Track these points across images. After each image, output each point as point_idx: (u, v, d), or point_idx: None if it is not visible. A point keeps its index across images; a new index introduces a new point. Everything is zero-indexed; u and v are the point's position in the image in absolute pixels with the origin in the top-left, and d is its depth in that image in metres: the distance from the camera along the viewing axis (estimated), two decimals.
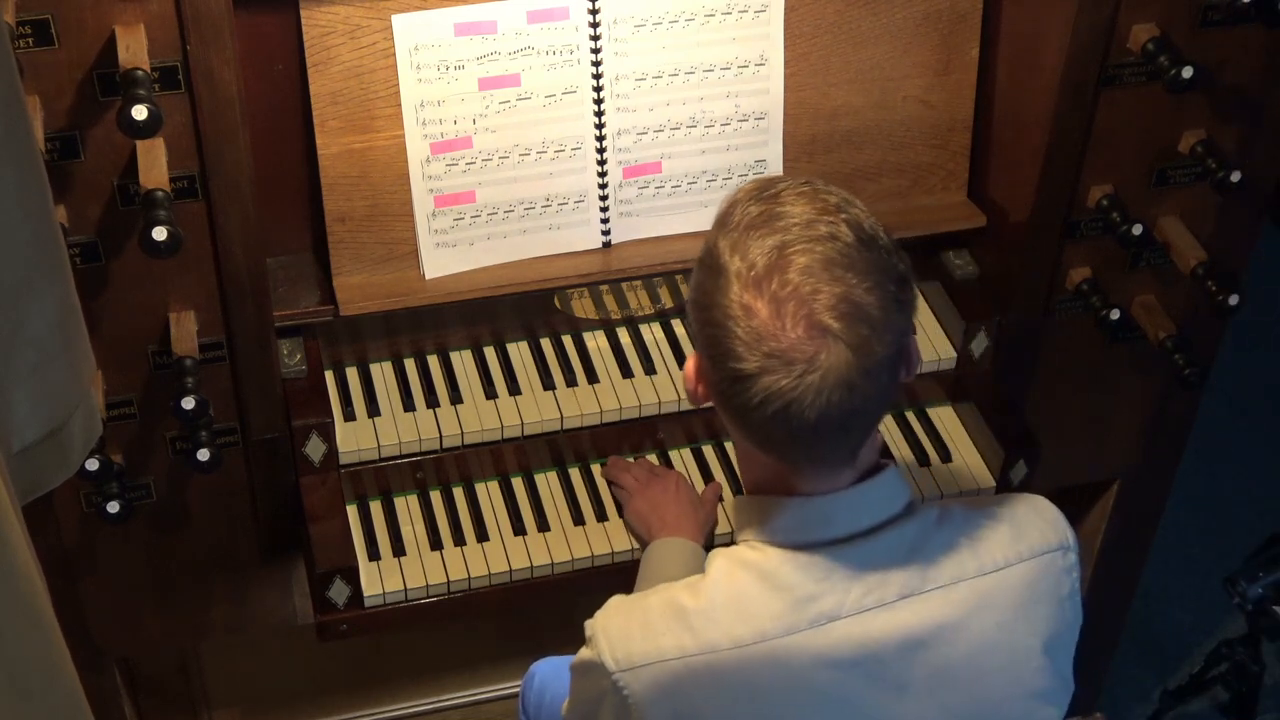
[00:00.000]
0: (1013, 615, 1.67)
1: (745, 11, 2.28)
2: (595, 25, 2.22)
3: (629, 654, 1.68)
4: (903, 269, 1.59)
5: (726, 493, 2.36)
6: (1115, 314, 2.40)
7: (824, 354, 1.52)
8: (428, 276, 2.28)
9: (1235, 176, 2.24)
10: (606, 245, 2.36)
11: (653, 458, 2.43)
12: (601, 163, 2.31)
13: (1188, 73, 2.14)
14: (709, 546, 2.24)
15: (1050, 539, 1.73)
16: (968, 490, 2.40)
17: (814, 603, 1.62)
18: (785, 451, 1.63)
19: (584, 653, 1.76)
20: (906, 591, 1.63)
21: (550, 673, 2.45)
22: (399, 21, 2.14)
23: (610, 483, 2.37)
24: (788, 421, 1.55)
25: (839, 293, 1.53)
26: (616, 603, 1.76)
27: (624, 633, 1.69)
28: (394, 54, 2.16)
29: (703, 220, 2.38)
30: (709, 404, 1.68)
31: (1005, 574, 1.67)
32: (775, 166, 2.38)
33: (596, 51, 2.24)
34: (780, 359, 1.52)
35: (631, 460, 2.39)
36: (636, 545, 2.30)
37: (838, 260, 1.54)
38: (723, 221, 1.62)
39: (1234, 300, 2.31)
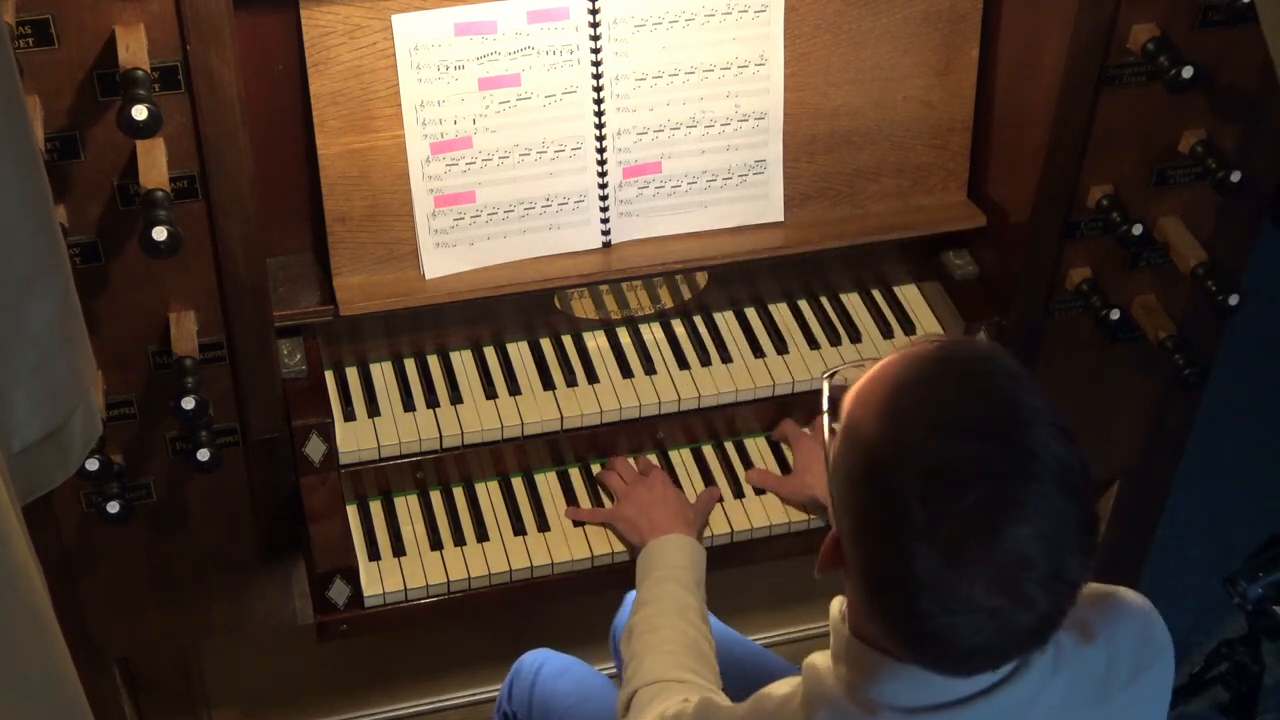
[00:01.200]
0: None
1: (745, 11, 2.28)
2: (595, 25, 2.22)
3: None
4: (1093, 499, 1.40)
5: (746, 496, 2.36)
6: (1115, 314, 2.40)
7: (1014, 615, 1.36)
8: (428, 276, 2.28)
9: (1235, 176, 2.23)
10: (606, 245, 2.36)
11: (653, 458, 2.42)
12: (601, 163, 2.31)
13: (1188, 73, 2.14)
14: (727, 560, 2.23)
15: (1154, 658, 1.58)
16: None
17: None
18: (914, 660, 1.45)
19: None
20: None
21: (551, 667, 2.41)
22: (399, 21, 2.14)
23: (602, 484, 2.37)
24: (955, 665, 1.42)
25: (1049, 567, 1.34)
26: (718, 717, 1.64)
27: None
28: (394, 54, 2.16)
29: (703, 220, 2.39)
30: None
31: (1116, 709, 1.56)
32: (775, 166, 2.38)
33: (596, 51, 2.24)
34: (967, 622, 1.35)
35: (617, 460, 2.38)
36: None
37: (1046, 524, 1.34)
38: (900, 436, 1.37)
39: (1234, 300, 2.31)
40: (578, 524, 2.33)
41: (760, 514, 2.35)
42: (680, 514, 2.24)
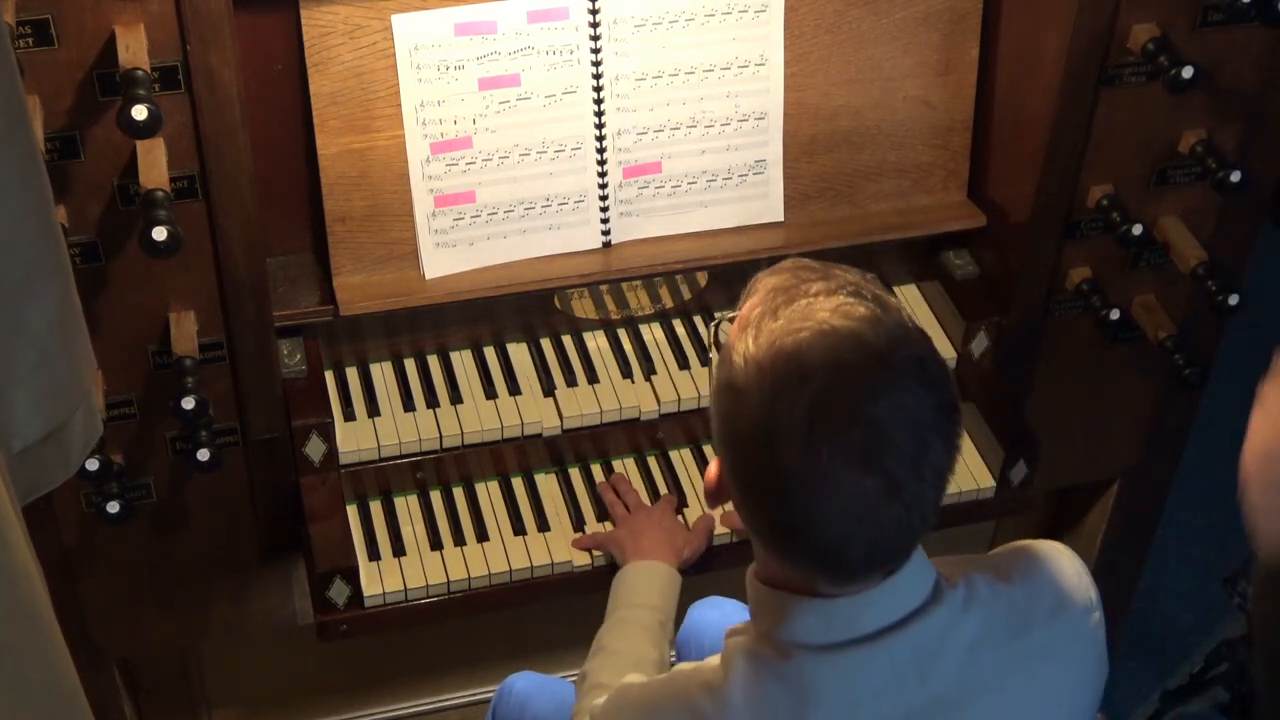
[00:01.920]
0: (1041, 683, 1.58)
1: (745, 11, 2.28)
2: (595, 25, 2.22)
3: None
4: (954, 393, 1.46)
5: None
6: (1115, 314, 2.40)
7: (885, 505, 1.41)
8: (427, 276, 2.28)
9: (1235, 176, 2.24)
10: (606, 245, 2.36)
11: (653, 458, 2.43)
12: (601, 163, 2.31)
13: (1188, 73, 2.14)
14: (692, 569, 2.24)
15: (1076, 601, 1.60)
16: (967, 491, 2.39)
17: (842, 709, 1.51)
18: (823, 576, 1.49)
19: None
20: (938, 692, 1.52)
21: (532, 688, 2.43)
22: (399, 21, 2.14)
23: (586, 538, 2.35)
24: (835, 564, 1.45)
25: (911, 446, 1.40)
26: (629, 698, 1.65)
27: None
28: (394, 54, 2.16)
29: (703, 220, 2.39)
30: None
31: (1036, 645, 1.57)
32: (775, 167, 2.38)
33: (596, 51, 2.24)
34: (836, 512, 1.41)
35: (627, 491, 2.37)
36: None
37: (904, 406, 1.40)
38: (750, 332, 1.47)
39: (1234, 300, 2.31)
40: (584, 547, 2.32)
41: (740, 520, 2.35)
42: (669, 542, 2.22)
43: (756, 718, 1.52)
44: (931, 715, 1.53)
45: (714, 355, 1.71)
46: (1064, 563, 1.63)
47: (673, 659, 2.48)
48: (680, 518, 2.33)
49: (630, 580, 2.15)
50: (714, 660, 1.59)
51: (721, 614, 2.47)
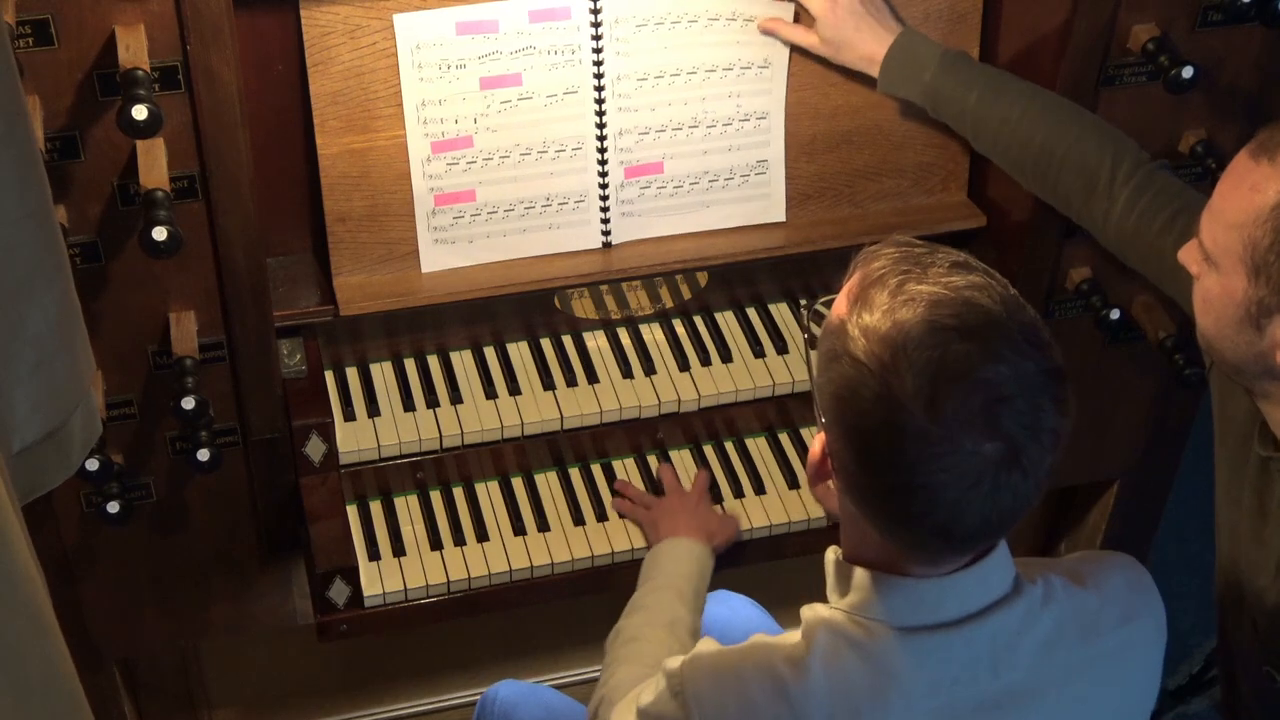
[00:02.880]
0: (1105, 688, 1.61)
1: (750, 20, 2.27)
2: (597, 25, 2.22)
3: None
4: (1063, 361, 1.48)
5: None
6: (1115, 314, 2.40)
7: (1004, 471, 1.43)
8: (424, 270, 2.28)
9: None
10: (607, 245, 2.36)
11: (653, 458, 2.43)
12: (602, 162, 2.31)
13: (1188, 73, 2.14)
14: (724, 561, 2.24)
15: (1144, 613, 1.64)
16: None
17: (920, 691, 1.53)
18: (926, 551, 1.52)
19: (666, 705, 1.64)
20: (1009, 684, 1.56)
21: (516, 696, 2.43)
22: (401, 20, 2.14)
23: (626, 502, 2.37)
24: (947, 532, 1.46)
25: (1025, 405, 1.43)
26: (708, 660, 1.63)
27: (717, 699, 1.59)
28: (394, 54, 2.16)
29: (704, 220, 2.39)
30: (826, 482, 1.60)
31: (1104, 650, 1.60)
32: (777, 167, 2.38)
33: (598, 51, 2.24)
34: (954, 475, 1.42)
35: (665, 470, 2.39)
36: (637, 545, 2.30)
37: (1018, 368, 1.43)
38: (865, 302, 1.48)
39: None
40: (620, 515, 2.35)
41: (760, 514, 2.35)
42: (703, 525, 2.24)
43: (835, 690, 1.54)
44: (1000, 706, 1.56)
45: (814, 331, 1.70)
46: (1134, 574, 1.66)
47: None
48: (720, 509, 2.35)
49: (664, 554, 2.17)
50: (794, 632, 1.60)
51: (730, 612, 2.47)
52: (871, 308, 1.47)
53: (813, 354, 1.61)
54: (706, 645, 1.69)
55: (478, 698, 2.57)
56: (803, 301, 2.46)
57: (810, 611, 1.61)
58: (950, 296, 1.46)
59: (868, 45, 2.25)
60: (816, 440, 1.58)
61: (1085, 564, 1.65)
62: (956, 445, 1.41)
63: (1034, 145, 2.16)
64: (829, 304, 1.60)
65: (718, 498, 2.38)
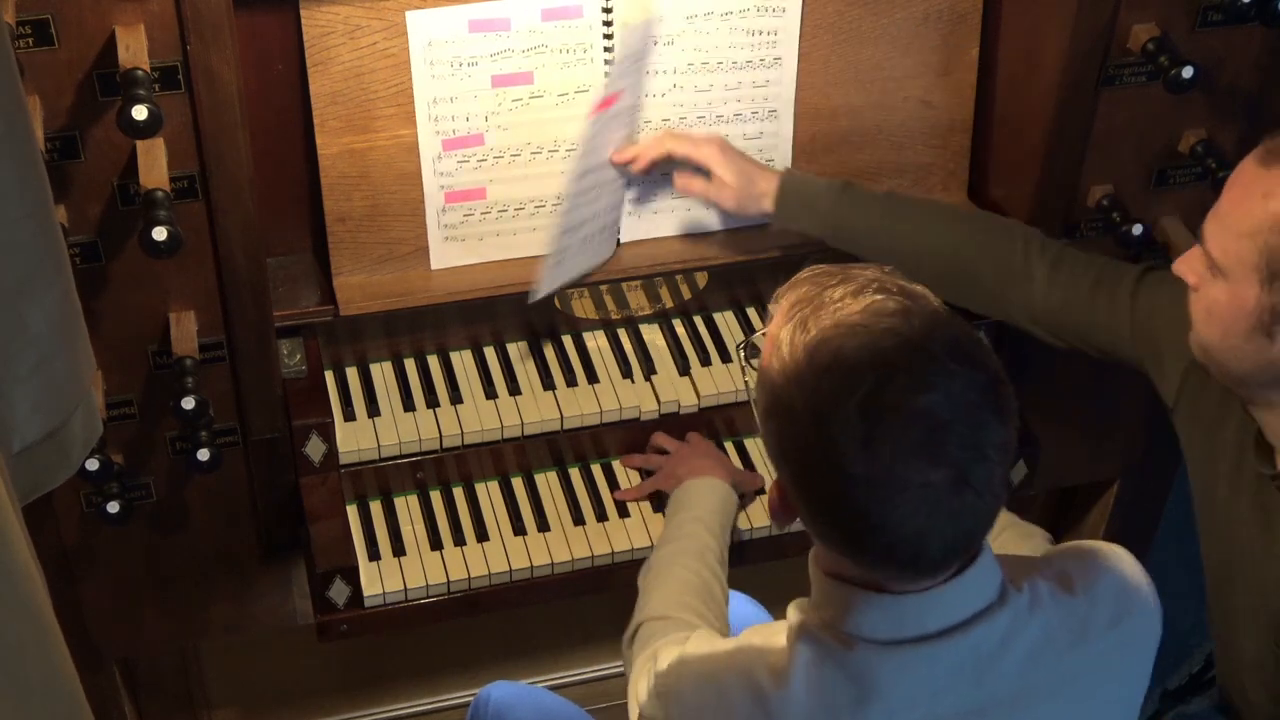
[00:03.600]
0: (1094, 694, 1.60)
1: (762, 14, 2.27)
2: (608, 24, 2.22)
3: None
4: (997, 367, 1.46)
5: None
6: None
7: (956, 494, 1.41)
8: (434, 267, 2.28)
9: None
10: (615, 244, 2.36)
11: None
12: None
13: (1188, 73, 2.14)
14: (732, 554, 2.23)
15: (1135, 610, 1.63)
16: None
17: (901, 703, 1.52)
18: (901, 578, 1.49)
19: (650, 706, 1.66)
20: (993, 694, 1.54)
21: (510, 697, 2.44)
22: (413, 18, 2.14)
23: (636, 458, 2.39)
24: (915, 561, 1.46)
25: (967, 427, 1.40)
26: (692, 663, 1.65)
27: (696, 704, 1.61)
28: (395, 54, 2.16)
29: (710, 219, 2.39)
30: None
31: (1092, 655, 1.59)
32: (785, 164, 2.38)
33: (609, 50, 2.24)
34: (908, 510, 1.40)
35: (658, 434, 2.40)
36: (637, 545, 2.29)
37: (948, 390, 1.41)
38: (795, 372, 1.45)
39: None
40: (624, 504, 2.36)
41: (761, 514, 2.35)
42: (723, 463, 2.27)
43: (815, 703, 1.53)
44: (985, 714, 1.55)
45: (748, 379, 1.72)
46: (1127, 569, 1.64)
47: None
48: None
49: (687, 493, 2.17)
50: (779, 636, 1.59)
51: (730, 611, 2.48)
52: (793, 352, 1.46)
53: (753, 394, 1.59)
54: (694, 648, 1.68)
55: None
56: (742, 338, 2.44)
57: (796, 613, 1.60)
58: (870, 326, 1.43)
59: (760, 183, 2.26)
60: (773, 485, 1.56)
61: (1074, 565, 1.62)
62: (905, 482, 1.40)
63: (944, 252, 2.19)
64: (762, 337, 1.58)
65: None
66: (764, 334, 1.56)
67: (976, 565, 1.51)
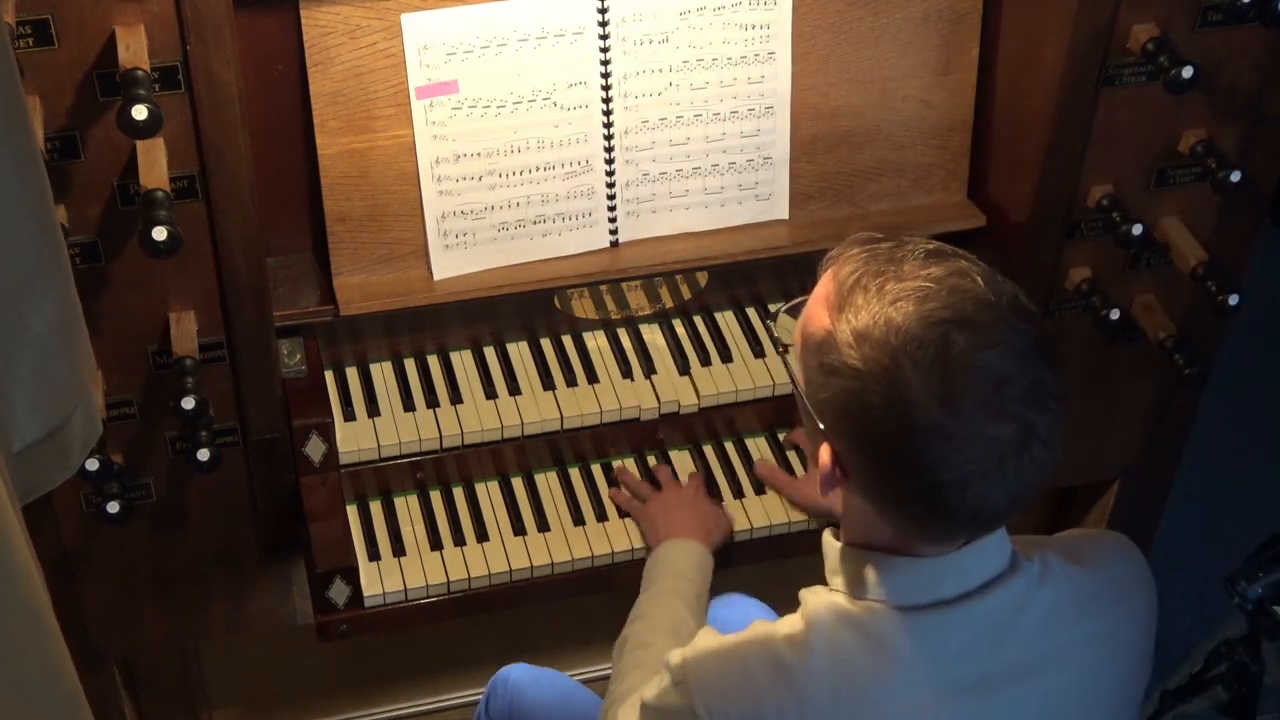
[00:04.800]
0: (1100, 667, 1.62)
1: (755, 7, 2.27)
2: (604, 25, 2.22)
3: (724, 708, 1.58)
4: (1045, 321, 1.52)
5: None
6: (1115, 314, 2.40)
7: (1024, 447, 1.45)
8: (436, 278, 2.28)
9: (1235, 176, 2.24)
10: (614, 245, 2.36)
11: (652, 459, 2.42)
12: (609, 162, 2.31)
13: (1188, 73, 2.14)
14: (719, 556, 2.24)
15: (1138, 596, 1.66)
16: None
17: (920, 669, 1.54)
18: (939, 534, 1.53)
19: (669, 695, 1.65)
20: (1010, 660, 1.56)
21: (528, 678, 2.44)
22: (408, 20, 2.14)
23: (623, 492, 2.37)
24: (978, 518, 1.49)
25: (1028, 381, 1.44)
26: (708, 645, 1.64)
27: (720, 684, 1.59)
28: (395, 54, 2.16)
29: (709, 219, 2.39)
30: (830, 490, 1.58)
31: (1100, 629, 1.61)
32: (781, 165, 2.38)
33: (605, 50, 2.24)
34: (978, 464, 1.43)
35: (661, 469, 2.38)
36: (636, 546, 2.29)
37: (1009, 343, 1.45)
38: (855, 313, 1.48)
39: (1234, 300, 2.31)
40: (619, 512, 2.35)
41: (760, 514, 2.35)
42: (700, 523, 2.24)
43: (837, 669, 1.55)
44: (1001, 682, 1.57)
45: (788, 346, 1.71)
46: (1130, 555, 1.68)
47: None
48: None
49: (664, 558, 2.17)
50: (794, 616, 1.61)
51: (741, 613, 2.47)
52: (857, 313, 1.47)
53: (793, 365, 1.61)
54: (706, 635, 1.69)
55: (478, 698, 2.57)
56: (767, 309, 2.45)
57: (810, 594, 1.62)
58: (935, 289, 1.47)
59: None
60: (824, 450, 1.55)
61: (1082, 542, 1.67)
62: (977, 435, 1.43)
63: None
64: (795, 310, 1.60)
65: (717, 497, 2.38)
66: (797, 304, 1.58)
67: (992, 533, 1.55)
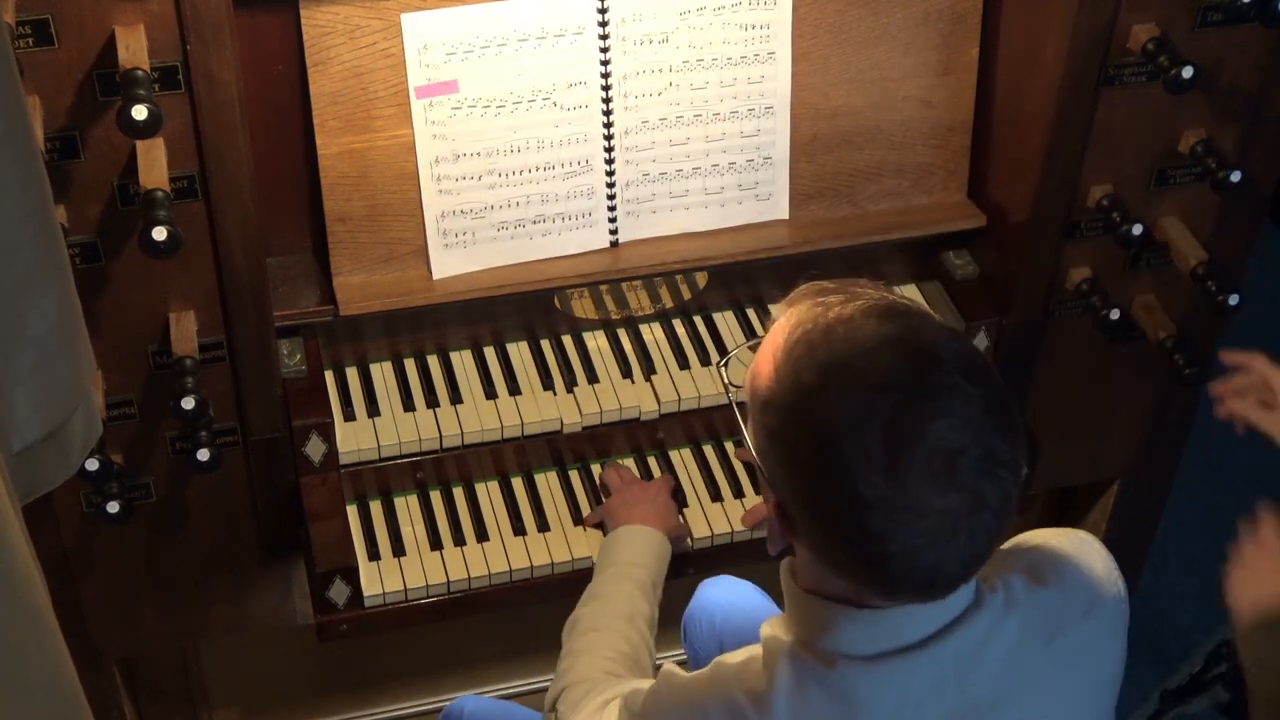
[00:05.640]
0: (1073, 683, 1.60)
1: (755, 7, 2.28)
2: (604, 25, 2.22)
3: None
4: (1001, 382, 1.44)
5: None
6: (1115, 314, 2.40)
7: (973, 517, 1.39)
8: (436, 277, 2.28)
9: (1235, 176, 2.24)
10: (614, 245, 2.36)
11: (653, 459, 2.43)
12: (609, 162, 2.31)
13: (1188, 73, 2.14)
14: (678, 549, 2.23)
15: (1107, 597, 1.63)
16: None
17: (885, 716, 1.51)
18: (891, 596, 1.47)
19: None
20: (977, 697, 1.53)
21: (481, 711, 2.42)
22: (408, 20, 2.14)
23: (595, 515, 2.36)
24: (930, 586, 1.44)
25: (980, 450, 1.38)
26: (669, 695, 1.63)
27: None
28: (394, 54, 2.16)
29: (709, 219, 2.39)
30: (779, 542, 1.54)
31: (1069, 646, 1.59)
32: (781, 165, 2.38)
33: (605, 50, 2.24)
34: (926, 536, 1.38)
35: (620, 467, 2.38)
36: None
37: (962, 414, 1.39)
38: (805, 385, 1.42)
39: (1234, 300, 2.31)
40: (588, 525, 2.33)
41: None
42: (661, 514, 2.22)
43: (797, 717, 1.51)
44: (972, 717, 1.54)
45: (732, 395, 1.69)
46: (1094, 557, 1.64)
47: (683, 643, 2.49)
48: (681, 517, 2.33)
49: (621, 540, 2.15)
50: (755, 660, 1.57)
51: (733, 595, 2.46)
52: (800, 374, 1.42)
53: (745, 424, 1.56)
54: (669, 675, 1.66)
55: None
56: (715, 360, 2.40)
57: (770, 632, 1.58)
58: (885, 351, 1.40)
59: None
60: (770, 507, 1.51)
61: (1042, 556, 1.61)
62: (926, 509, 1.37)
63: None
64: (754, 347, 1.54)
65: (717, 498, 2.38)
66: (748, 346, 1.53)
67: (945, 596, 1.49)
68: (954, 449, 1.37)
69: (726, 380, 1.79)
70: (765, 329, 1.55)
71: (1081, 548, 1.64)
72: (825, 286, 1.52)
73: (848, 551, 1.44)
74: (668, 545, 2.18)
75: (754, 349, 1.56)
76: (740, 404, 1.59)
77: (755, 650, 1.59)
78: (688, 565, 2.31)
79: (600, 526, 2.30)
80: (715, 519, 2.34)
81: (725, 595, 2.47)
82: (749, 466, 2.42)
